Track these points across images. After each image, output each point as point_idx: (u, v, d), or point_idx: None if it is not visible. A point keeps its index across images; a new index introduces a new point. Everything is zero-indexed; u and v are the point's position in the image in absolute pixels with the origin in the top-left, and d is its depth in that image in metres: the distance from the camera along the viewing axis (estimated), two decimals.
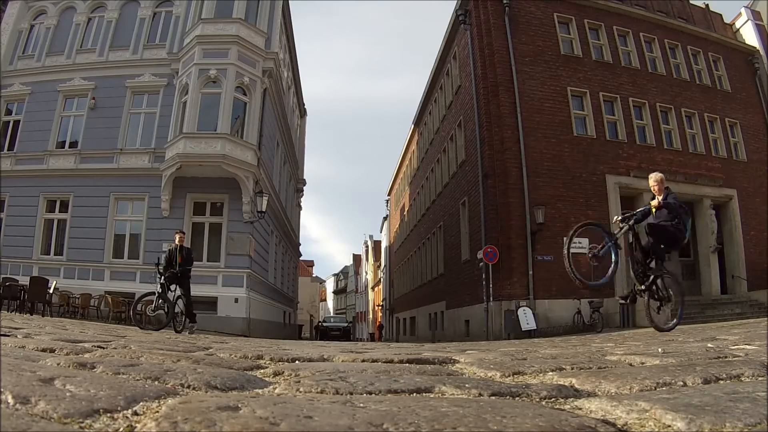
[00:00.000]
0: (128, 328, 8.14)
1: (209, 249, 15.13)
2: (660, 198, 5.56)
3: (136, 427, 0.77)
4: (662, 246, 5.52)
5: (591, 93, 16.06)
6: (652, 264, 5.50)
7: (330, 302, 73.33)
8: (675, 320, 5.73)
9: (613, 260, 5.41)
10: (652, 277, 5.46)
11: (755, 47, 19.53)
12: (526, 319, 12.74)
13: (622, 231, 5.54)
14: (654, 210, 5.54)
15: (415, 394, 1.15)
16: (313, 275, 65.39)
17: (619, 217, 5.70)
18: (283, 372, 1.49)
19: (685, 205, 5.82)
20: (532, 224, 14.22)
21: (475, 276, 14.89)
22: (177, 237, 8.46)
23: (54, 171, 16.13)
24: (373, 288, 52.91)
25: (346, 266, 72.48)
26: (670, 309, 5.66)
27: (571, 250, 5.36)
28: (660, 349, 2.25)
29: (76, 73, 16.93)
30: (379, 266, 48.76)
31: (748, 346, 2.27)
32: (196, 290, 9.07)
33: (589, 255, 5.43)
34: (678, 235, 5.47)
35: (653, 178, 5.69)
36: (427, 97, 24.47)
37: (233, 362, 1.77)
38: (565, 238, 5.04)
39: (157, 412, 0.84)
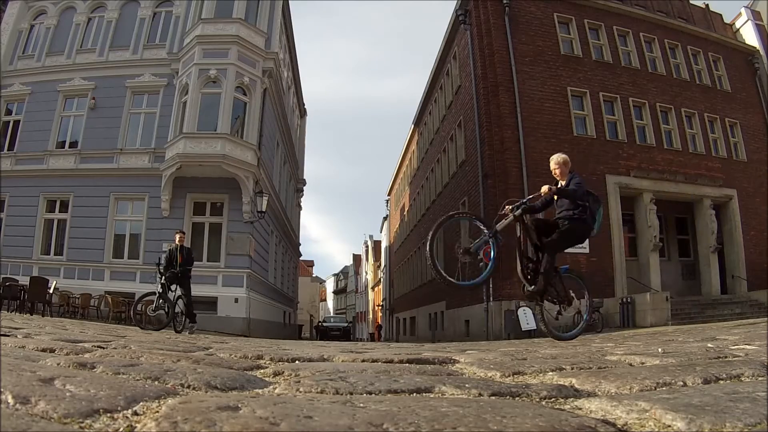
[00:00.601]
0: (128, 328, 8.14)
1: (209, 249, 15.13)
2: (563, 183, 4.76)
3: (136, 427, 0.77)
4: (561, 240, 4.70)
5: (591, 93, 16.06)
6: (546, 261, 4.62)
7: (330, 302, 73.34)
8: (577, 329, 4.93)
9: (491, 257, 4.68)
10: (547, 280, 4.63)
11: (755, 47, 19.53)
12: (526, 319, 12.72)
13: (505, 222, 4.72)
14: (556, 198, 4.70)
15: (415, 394, 1.15)
16: (313, 275, 65.41)
17: (510, 206, 4.73)
18: (283, 372, 1.49)
19: (594, 192, 5.04)
20: None
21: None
22: (177, 237, 8.46)
23: (54, 171, 16.13)
24: (373, 288, 52.91)
25: (346, 266, 72.50)
26: (575, 313, 4.95)
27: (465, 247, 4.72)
28: (660, 349, 2.25)
29: (76, 73, 16.93)
30: (379, 266, 48.76)
31: (748, 346, 2.28)
32: (196, 290, 9.07)
33: (458, 250, 4.55)
34: (578, 227, 4.66)
35: (554, 161, 4.89)
36: (427, 97, 24.47)
37: (233, 362, 1.77)
38: (430, 232, 4.36)
39: (157, 412, 0.84)
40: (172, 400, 0.93)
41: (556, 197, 4.73)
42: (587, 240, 5.00)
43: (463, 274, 4.55)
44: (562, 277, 4.79)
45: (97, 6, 17.79)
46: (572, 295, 4.73)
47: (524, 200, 4.69)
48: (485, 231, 4.66)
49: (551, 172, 4.91)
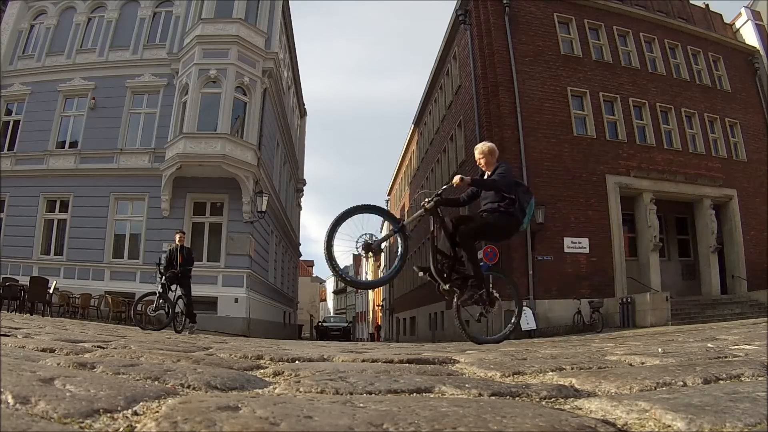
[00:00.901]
0: (128, 328, 8.14)
1: (209, 249, 15.13)
2: (489, 174, 4.35)
3: (136, 427, 0.77)
4: (478, 233, 4.32)
5: (591, 93, 16.06)
6: (464, 258, 4.21)
7: (330, 302, 73.31)
8: (502, 332, 4.57)
9: (399, 253, 4.22)
10: (462, 274, 4.23)
11: (755, 47, 19.53)
12: (526, 319, 12.72)
13: (415, 216, 4.35)
14: (476, 186, 4.30)
15: (415, 394, 1.15)
16: (313, 275, 65.37)
17: (427, 199, 4.27)
18: (283, 372, 1.49)
19: (524, 183, 4.65)
20: (533, 224, 14.18)
21: None
22: (177, 237, 8.46)
23: (54, 171, 16.13)
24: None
25: (346, 266, 72.22)
26: (504, 314, 4.56)
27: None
28: (660, 349, 2.25)
29: (76, 73, 16.94)
30: (379, 266, 48.74)
31: (748, 346, 2.28)
32: (196, 290, 9.07)
33: (357, 246, 4.16)
34: (502, 221, 4.23)
35: (478, 149, 4.47)
36: (427, 97, 24.47)
37: (233, 362, 1.77)
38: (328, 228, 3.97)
39: (157, 412, 0.84)
40: (172, 400, 0.93)
41: (470, 187, 4.32)
42: (515, 233, 4.54)
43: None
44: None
45: (97, 6, 17.79)
46: (496, 295, 4.39)
47: (439, 191, 4.26)
48: (391, 225, 4.24)
49: (477, 162, 4.50)
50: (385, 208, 4.56)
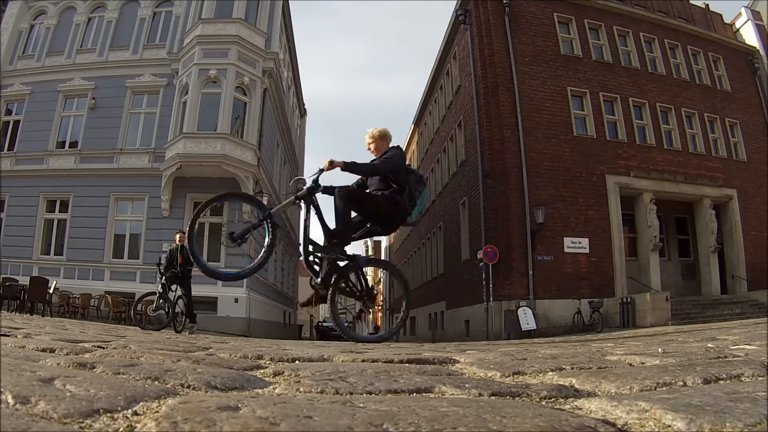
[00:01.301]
0: (128, 328, 8.14)
1: (209, 249, 15.12)
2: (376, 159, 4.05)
3: (136, 427, 0.77)
4: (353, 220, 3.96)
5: (591, 93, 16.07)
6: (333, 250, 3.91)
7: None
8: (387, 330, 4.09)
9: (266, 243, 3.93)
10: (334, 269, 3.92)
11: (755, 47, 19.54)
12: (526, 319, 12.73)
13: (283, 204, 4.16)
14: (349, 170, 3.93)
15: (415, 394, 1.15)
16: None
17: (304, 185, 4.03)
18: (283, 372, 1.49)
19: (417, 171, 4.33)
20: (532, 224, 14.22)
21: (475, 276, 14.89)
22: (177, 237, 8.46)
23: (54, 171, 16.14)
24: None
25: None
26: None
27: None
28: (660, 349, 2.25)
29: (76, 73, 16.95)
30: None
31: (748, 346, 2.27)
32: (196, 290, 9.06)
33: (224, 237, 3.89)
34: (384, 206, 3.91)
35: (368, 134, 4.20)
36: (427, 97, 24.48)
37: (233, 362, 1.77)
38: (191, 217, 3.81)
39: (157, 412, 0.84)
40: (172, 400, 0.93)
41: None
42: (401, 224, 4.21)
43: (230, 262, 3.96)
44: (360, 267, 4.13)
45: (97, 6, 17.81)
46: (378, 289, 4.09)
47: (313, 177, 3.98)
48: (258, 212, 3.99)
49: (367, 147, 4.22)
50: (250, 193, 4.36)
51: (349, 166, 3.87)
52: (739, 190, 17.17)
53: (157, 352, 1.95)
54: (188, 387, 1.15)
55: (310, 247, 3.93)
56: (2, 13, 18.03)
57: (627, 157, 15.89)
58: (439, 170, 21.47)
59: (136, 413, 0.85)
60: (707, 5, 19.90)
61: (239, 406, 0.86)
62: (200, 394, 1.09)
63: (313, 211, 3.97)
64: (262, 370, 1.55)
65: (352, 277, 4.08)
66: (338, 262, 3.94)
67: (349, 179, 4.17)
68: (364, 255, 4.18)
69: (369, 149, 4.20)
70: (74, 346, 2.08)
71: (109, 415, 0.82)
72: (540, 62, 15.88)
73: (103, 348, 2.17)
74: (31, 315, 10.28)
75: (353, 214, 3.97)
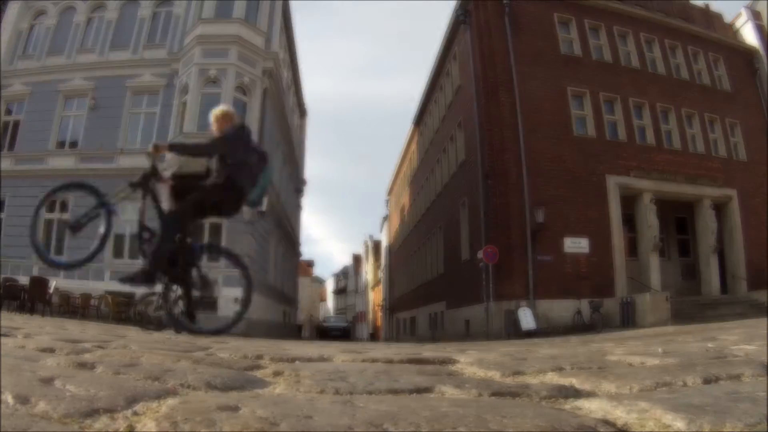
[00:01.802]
0: (128, 328, 8.14)
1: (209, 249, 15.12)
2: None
3: (136, 427, 0.77)
4: (188, 206, 3.85)
5: (591, 93, 16.07)
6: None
7: (330, 302, 73.28)
8: (225, 322, 4.27)
9: (102, 233, 3.90)
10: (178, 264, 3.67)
11: (755, 47, 19.53)
12: (526, 319, 12.73)
13: (122, 193, 3.97)
14: (176, 152, 3.81)
15: (415, 394, 1.15)
16: (313, 275, 65.36)
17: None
18: (283, 372, 1.49)
19: (258, 150, 4.13)
20: (532, 224, 14.22)
21: (475, 276, 14.88)
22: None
23: (54, 171, 16.13)
24: (373, 288, 52.89)
25: (346, 266, 72.41)
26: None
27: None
28: (660, 349, 2.25)
29: (76, 73, 16.94)
30: (379, 266, 48.73)
31: (748, 346, 2.27)
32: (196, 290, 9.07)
33: (71, 224, 3.84)
34: (213, 193, 3.79)
35: (213, 114, 4.10)
36: (427, 97, 24.48)
37: (233, 362, 1.77)
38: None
39: (157, 412, 0.84)
40: (172, 400, 0.93)
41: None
42: (242, 205, 4.07)
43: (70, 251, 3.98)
44: (195, 255, 3.94)
45: (97, 6, 17.80)
46: (213, 278, 3.91)
47: (152, 164, 3.86)
48: (96, 200, 3.91)
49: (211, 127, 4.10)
50: (87, 182, 4.31)
51: (173, 147, 3.89)
52: (739, 190, 17.16)
53: (157, 352, 1.95)
54: (188, 387, 1.15)
55: (145, 234, 3.95)
56: (2, 13, 18.03)
57: (627, 157, 15.88)
58: (439, 170, 21.47)
59: (136, 413, 0.85)
60: (707, 5, 19.91)
61: (239, 406, 0.86)
62: (200, 394, 1.09)
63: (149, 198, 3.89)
64: (262, 370, 1.55)
65: (195, 274, 4.00)
66: (159, 250, 3.87)
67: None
68: (198, 243, 4.05)
69: (213, 130, 4.09)
70: (74, 346, 2.08)
71: (109, 415, 0.82)
72: (540, 62, 15.87)
73: (103, 348, 2.17)
74: (31, 315, 10.28)
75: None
